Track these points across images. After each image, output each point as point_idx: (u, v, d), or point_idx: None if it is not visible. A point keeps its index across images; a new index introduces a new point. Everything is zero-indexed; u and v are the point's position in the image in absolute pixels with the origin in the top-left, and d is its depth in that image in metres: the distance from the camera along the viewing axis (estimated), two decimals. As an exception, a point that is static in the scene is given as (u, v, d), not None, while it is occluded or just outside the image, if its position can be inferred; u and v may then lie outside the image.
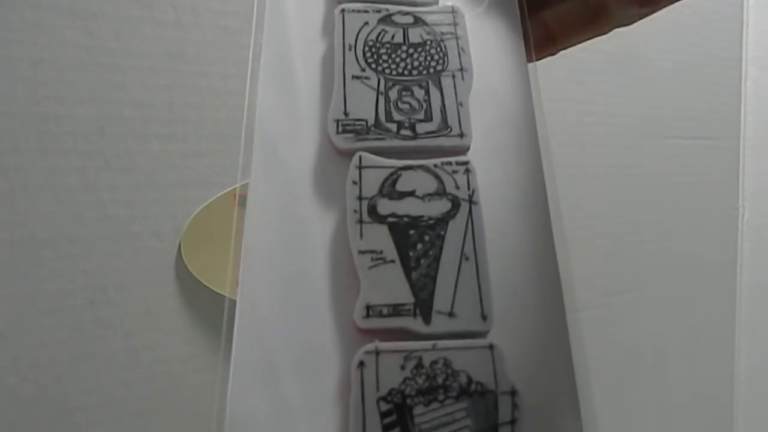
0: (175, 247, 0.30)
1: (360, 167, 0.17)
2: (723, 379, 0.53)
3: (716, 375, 0.53)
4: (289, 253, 0.16)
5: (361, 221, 0.16)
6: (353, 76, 0.18)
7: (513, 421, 0.15)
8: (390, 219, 0.17)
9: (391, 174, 0.17)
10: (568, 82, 0.41)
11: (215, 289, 0.30)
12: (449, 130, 0.18)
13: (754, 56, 0.52)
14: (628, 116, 0.45)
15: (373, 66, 0.18)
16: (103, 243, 0.29)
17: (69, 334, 0.28)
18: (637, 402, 0.48)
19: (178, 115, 0.30)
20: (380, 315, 0.15)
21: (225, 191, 0.31)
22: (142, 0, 0.29)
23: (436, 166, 0.17)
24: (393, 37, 0.19)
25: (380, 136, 0.18)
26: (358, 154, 0.17)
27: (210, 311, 0.31)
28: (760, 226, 0.53)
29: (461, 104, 0.18)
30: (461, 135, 0.18)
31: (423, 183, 0.17)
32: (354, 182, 0.17)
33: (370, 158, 0.17)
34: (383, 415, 0.14)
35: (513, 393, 0.15)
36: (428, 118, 0.18)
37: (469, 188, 0.17)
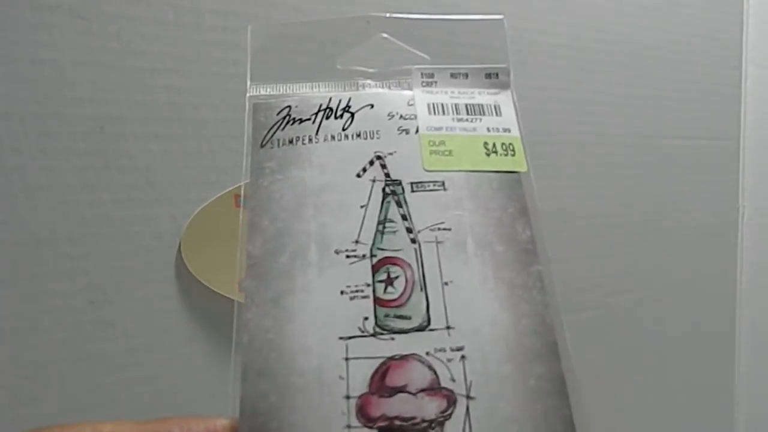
0: (175, 247, 0.30)
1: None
2: (723, 379, 0.53)
3: (716, 375, 0.53)
4: None
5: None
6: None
7: None
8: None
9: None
10: (568, 82, 0.41)
11: (215, 289, 0.30)
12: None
13: (754, 56, 0.52)
14: (628, 116, 0.45)
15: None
16: (103, 243, 0.29)
17: (69, 334, 0.28)
18: (637, 402, 0.48)
19: (178, 115, 0.30)
20: None
21: (225, 191, 0.31)
22: (142, 0, 0.29)
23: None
24: None
25: None
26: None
27: (210, 311, 0.31)
28: (760, 226, 0.53)
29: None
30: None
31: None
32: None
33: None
34: None
35: None
36: None
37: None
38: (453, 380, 0.15)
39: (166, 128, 0.30)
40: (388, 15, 0.21)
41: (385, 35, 0.21)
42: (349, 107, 0.20)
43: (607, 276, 0.45)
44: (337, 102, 0.20)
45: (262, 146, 0.19)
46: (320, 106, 0.20)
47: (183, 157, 0.30)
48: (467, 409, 0.15)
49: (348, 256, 0.17)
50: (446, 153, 0.19)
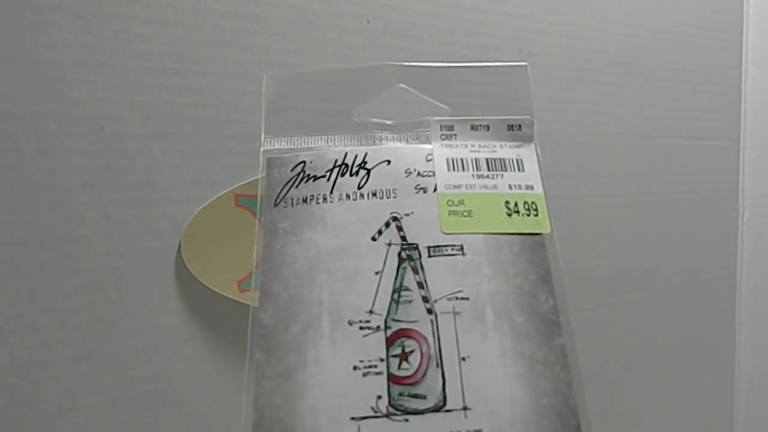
0: (175, 247, 0.30)
1: None
2: (723, 379, 0.53)
3: (716, 375, 0.53)
4: None
5: None
6: None
7: None
8: None
9: None
10: (568, 82, 0.41)
11: (215, 289, 0.30)
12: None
13: (754, 56, 0.52)
14: (628, 116, 0.45)
15: None
16: (103, 243, 0.29)
17: (69, 334, 0.28)
18: (637, 402, 0.48)
19: (178, 115, 0.30)
20: None
21: (225, 191, 0.31)
22: (142, 0, 0.29)
23: None
24: None
25: None
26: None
27: (210, 311, 0.31)
28: (760, 226, 0.53)
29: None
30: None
31: None
32: None
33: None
34: None
35: None
36: None
37: None
38: None
39: (166, 128, 0.30)
40: (406, 64, 0.20)
41: (402, 85, 0.20)
42: (365, 163, 0.19)
43: (607, 276, 0.45)
44: (353, 158, 0.19)
45: (275, 205, 0.18)
46: (335, 161, 0.19)
47: (183, 157, 0.30)
48: None
49: (361, 328, 0.16)
50: (465, 214, 0.18)
